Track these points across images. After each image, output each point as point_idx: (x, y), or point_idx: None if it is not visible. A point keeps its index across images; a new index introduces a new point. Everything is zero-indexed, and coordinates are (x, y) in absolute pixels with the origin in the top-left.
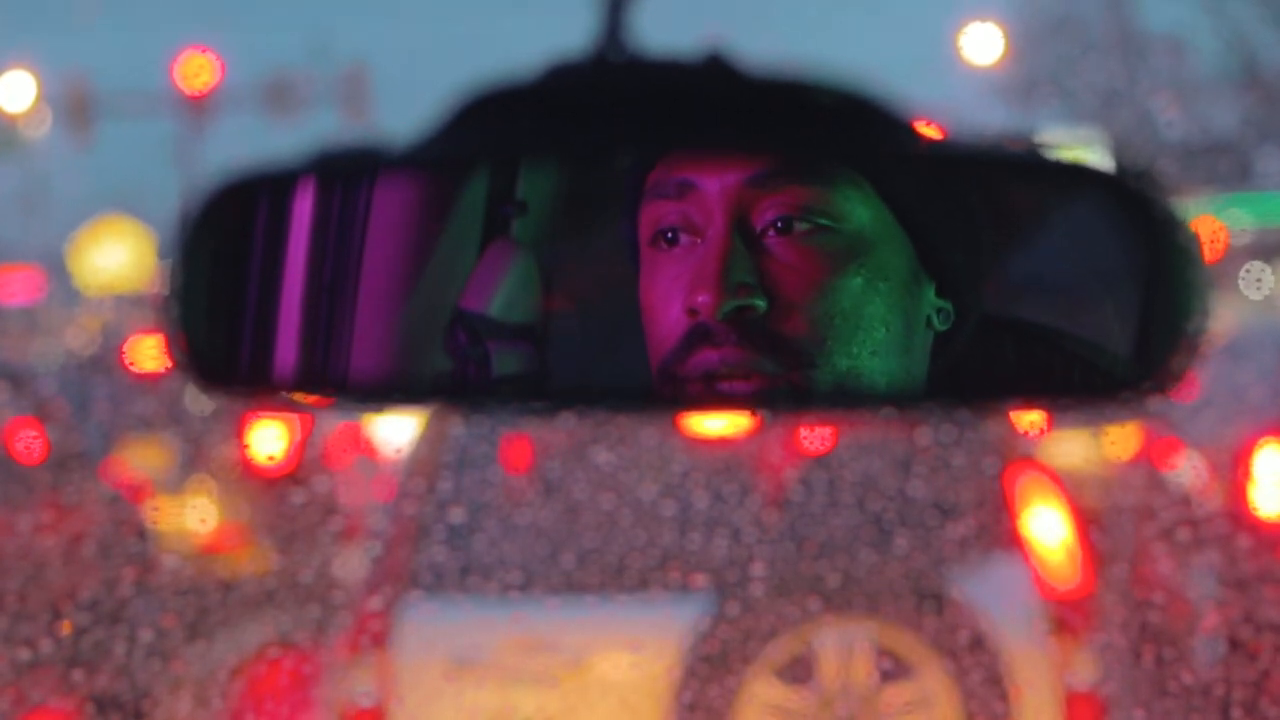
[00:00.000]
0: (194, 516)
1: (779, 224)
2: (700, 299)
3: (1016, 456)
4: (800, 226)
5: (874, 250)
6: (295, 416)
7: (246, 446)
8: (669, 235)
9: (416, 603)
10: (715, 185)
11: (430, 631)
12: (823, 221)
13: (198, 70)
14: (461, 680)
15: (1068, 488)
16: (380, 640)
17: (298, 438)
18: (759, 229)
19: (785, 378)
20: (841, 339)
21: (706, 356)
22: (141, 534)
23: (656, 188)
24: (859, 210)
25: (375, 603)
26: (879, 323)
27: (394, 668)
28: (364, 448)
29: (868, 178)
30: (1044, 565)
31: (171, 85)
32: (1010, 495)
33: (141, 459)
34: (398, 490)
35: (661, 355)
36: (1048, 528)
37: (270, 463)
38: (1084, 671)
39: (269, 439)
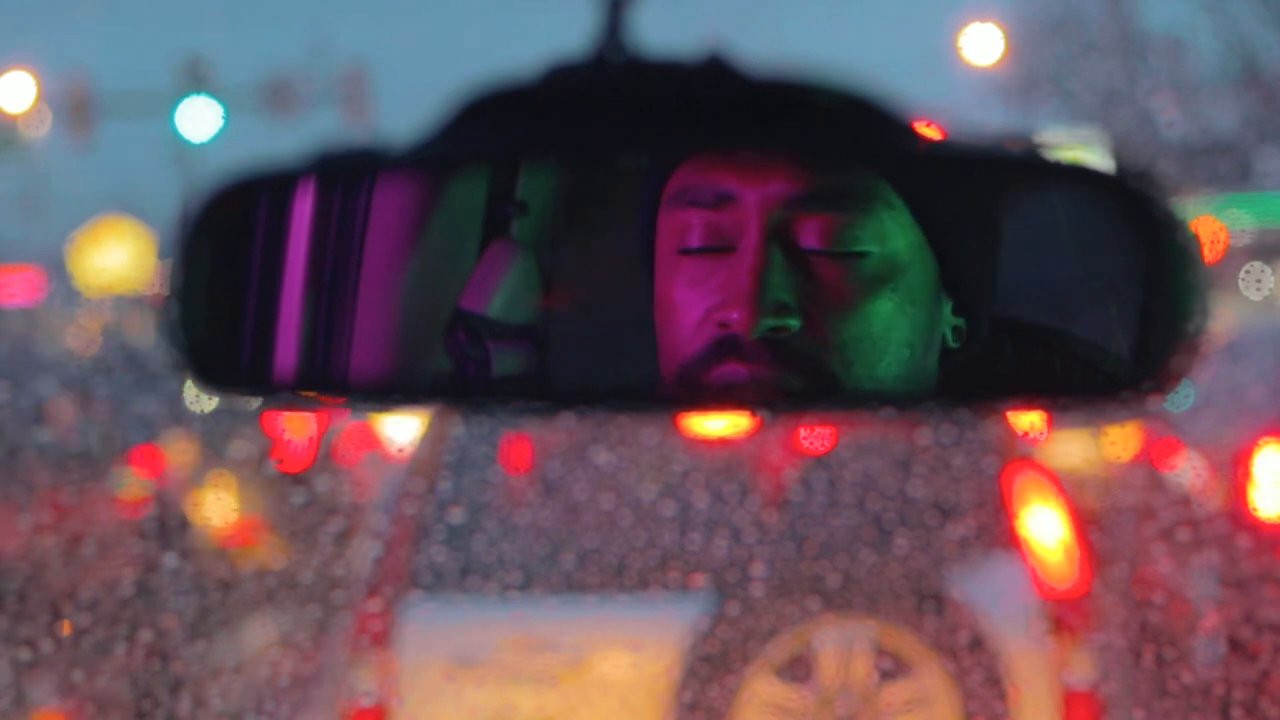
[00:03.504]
0: (211, 511)
1: (818, 244)
2: (734, 315)
3: (1015, 456)
4: (838, 248)
5: (905, 274)
6: (310, 414)
7: (264, 442)
8: (697, 239)
9: (418, 603)
10: (755, 197)
11: (431, 631)
12: (860, 248)
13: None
14: (462, 680)
15: (1068, 488)
16: (382, 640)
17: (313, 434)
18: (798, 245)
19: (808, 394)
20: (868, 362)
21: (734, 370)
22: (150, 531)
23: (686, 194)
24: (895, 233)
25: (376, 603)
26: (904, 346)
27: (395, 667)
28: (375, 444)
29: (904, 188)
30: (1042, 565)
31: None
32: (1008, 495)
33: (162, 455)
34: (399, 490)
35: (681, 359)
36: (1046, 527)
37: (287, 459)
38: (1082, 671)
39: (286, 435)
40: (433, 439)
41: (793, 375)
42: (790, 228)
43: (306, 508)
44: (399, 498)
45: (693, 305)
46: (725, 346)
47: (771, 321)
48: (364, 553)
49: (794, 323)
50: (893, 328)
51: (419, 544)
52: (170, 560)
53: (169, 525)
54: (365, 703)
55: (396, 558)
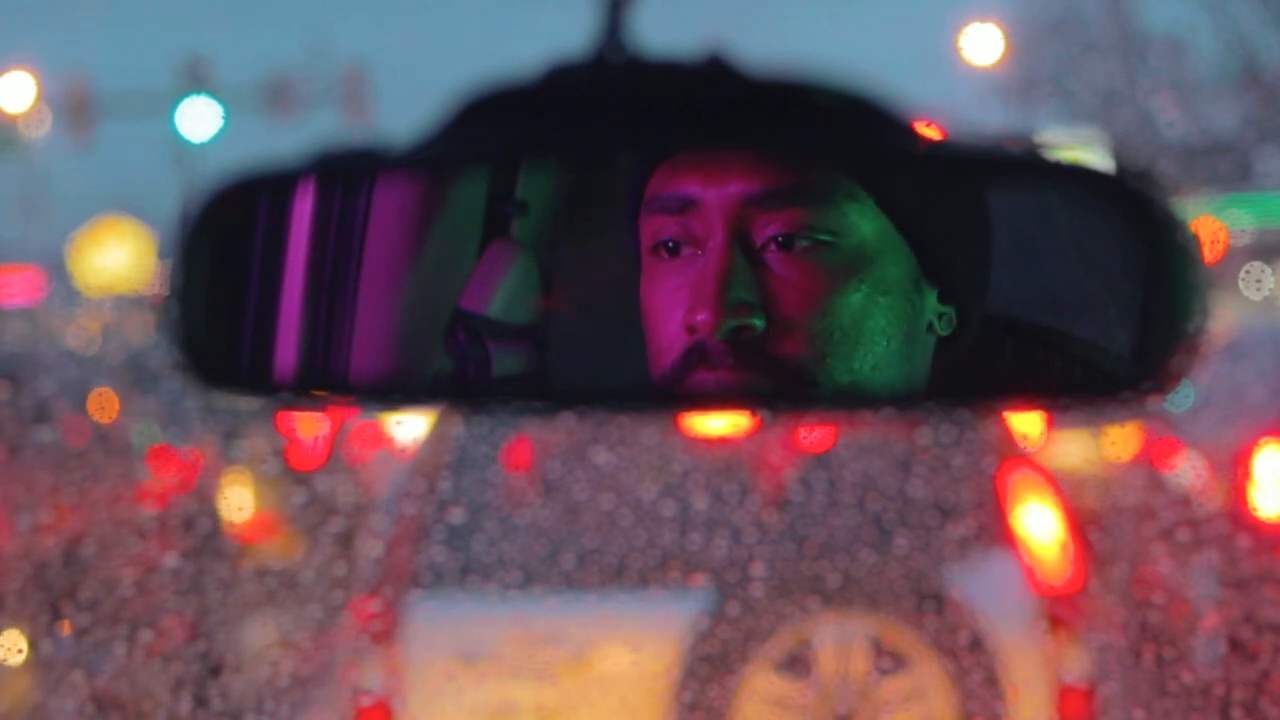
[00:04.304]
0: (228, 507)
1: (779, 239)
2: (699, 318)
3: (1010, 454)
4: (800, 243)
5: (875, 264)
6: (312, 413)
7: (281, 440)
8: (669, 245)
9: (422, 600)
10: (716, 199)
11: (435, 628)
12: (823, 238)
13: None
14: (465, 675)
15: (1068, 488)
16: (386, 636)
17: (326, 433)
18: (759, 244)
19: (790, 394)
20: (841, 355)
21: (703, 378)
22: (171, 525)
23: (655, 201)
24: (860, 224)
25: (381, 600)
26: (880, 336)
27: (400, 663)
28: (385, 443)
29: (868, 179)
30: (1037, 561)
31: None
32: (1003, 493)
33: (179, 454)
34: (403, 489)
35: (661, 368)
36: (1040, 524)
37: (300, 457)
38: (1077, 666)
39: (299, 434)
40: (436, 438)
41: (761, 376)
42: (751, 227)
43: (317, 505)
44: (402, 497)
45: (668, 314)
46: (694, 355)
47: (733, 321)
48: (369, 550)
49: (758, 322)
50: (865, 318)
51: (423, 543)
52: (190, 554)
53: (189, 520)
54: (370, 699)
55: (400, 556)
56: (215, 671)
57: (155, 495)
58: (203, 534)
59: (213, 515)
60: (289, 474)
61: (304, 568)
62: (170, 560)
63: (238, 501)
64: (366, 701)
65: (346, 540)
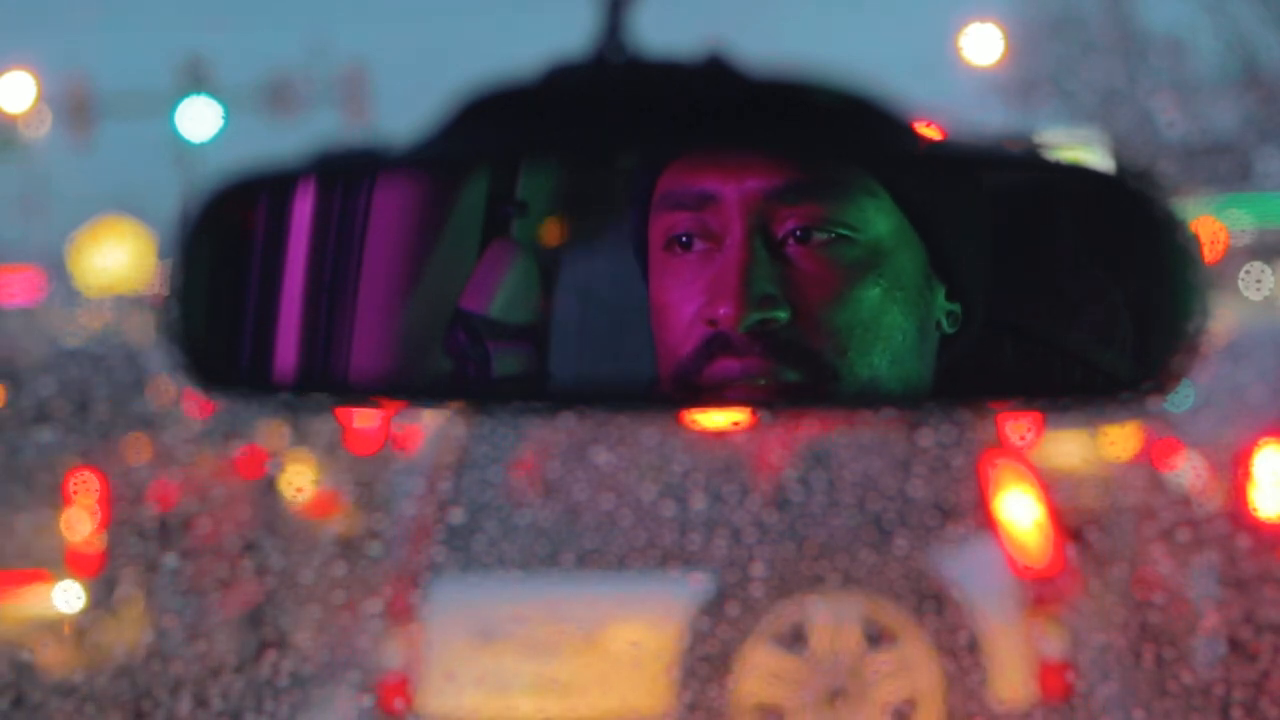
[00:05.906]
0: (293, 484)
1: (798, 233)
2: (722, 311)
3: (992, 444)
4: (819, 237)
5: (891, 258)
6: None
7: (342, 426)
8: (683, 240)
9: (441, 581)
10: (734, 194)
11: (453, 607)
12: (842, 232)
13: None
14: (481, 651)
15: (1068, 488)
16: (407, 615)
17: (380, 423)
18: (779, 237)
19: (809, 389)
20: (862, 349)
21: (727, 366)
22: (246, 499)
23: (670, 198)
24: (877, 219)
25: (406, 581)
26: (896, 331)
27: (420, 641)
28: (429, 433)
29: (881, 175)
30: (1018, 546)
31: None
32: (985, 481)
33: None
34: (427, 478)
35: (676, 361)
36: (1021, 511)
37: (360, 441)
38: (1055, 643)
39: (355, 423)
40: (450, 434)
41: (787, 367)
42: (771, 221)
43: (370, 488)
44: (425, 485)
45: (683, 306)
46: (716, 344)
47: (758, 314)
48: (396, 534)
49: (782, 314)
50: (882, 313)
51: (440, 531)
52: (259, 526)
53: (257, 496)
54: (395, 673)
55: (420, 541)
56: (276, 641)
57: (225, 473)
58: (269, 509)
59: (276, 493)
60: (348, 458)
61: (352, 544)
62: (244, 530)
63: (300, 481)
64: (391, 675)
65: (378, 523)
